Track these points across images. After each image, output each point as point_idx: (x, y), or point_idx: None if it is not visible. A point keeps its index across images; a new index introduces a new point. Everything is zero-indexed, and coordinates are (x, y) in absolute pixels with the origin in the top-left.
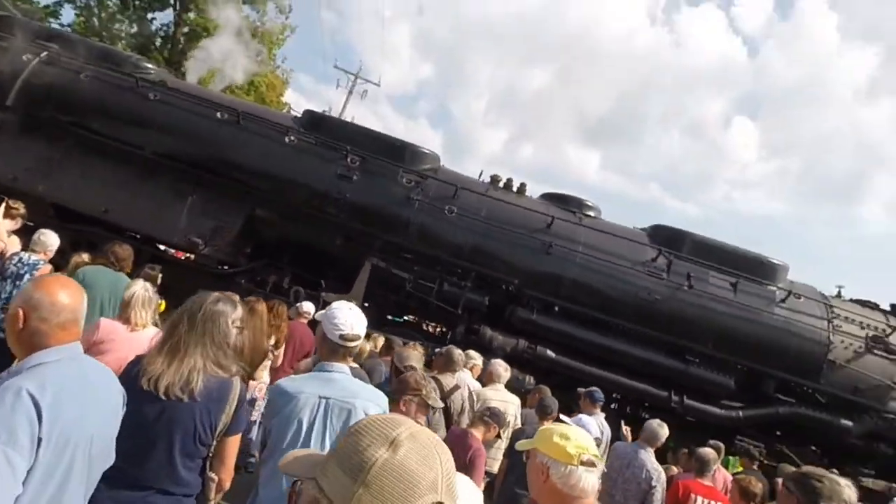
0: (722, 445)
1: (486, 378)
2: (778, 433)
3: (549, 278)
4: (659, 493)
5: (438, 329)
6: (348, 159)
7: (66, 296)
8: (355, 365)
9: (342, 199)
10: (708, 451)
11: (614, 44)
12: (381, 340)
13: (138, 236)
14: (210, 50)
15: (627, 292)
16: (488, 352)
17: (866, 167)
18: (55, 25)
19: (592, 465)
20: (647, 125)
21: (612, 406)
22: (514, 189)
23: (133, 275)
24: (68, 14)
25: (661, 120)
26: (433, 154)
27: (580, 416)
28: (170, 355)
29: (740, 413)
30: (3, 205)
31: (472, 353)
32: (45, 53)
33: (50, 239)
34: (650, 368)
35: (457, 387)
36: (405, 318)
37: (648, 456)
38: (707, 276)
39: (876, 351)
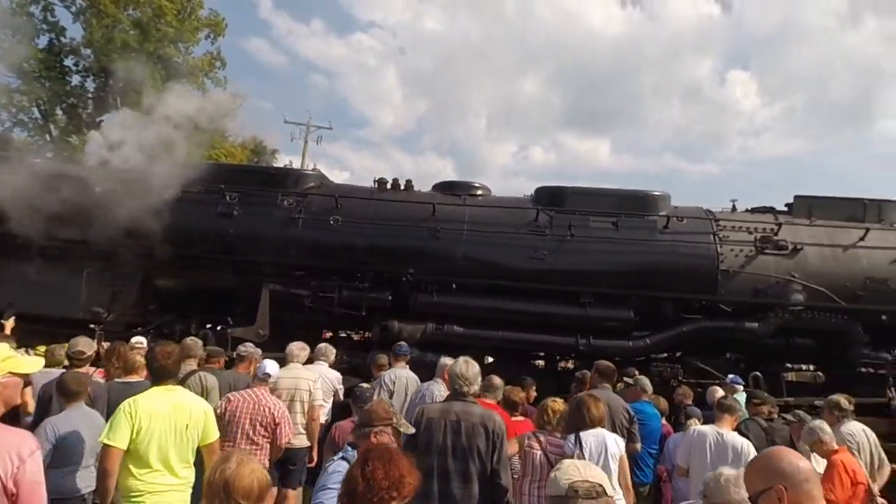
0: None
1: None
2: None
3: (440, 260)
4: None
5: (363, 335)
6: (227, 197)
7: None
8: None
9: (225, 235)
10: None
11: (594, 35)
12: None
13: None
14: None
15: (517, 255)
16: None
17: (869, 87)
18: None
19: None
20: (644, 102)
21: (537, 363)
22: (402, 188)
23: None
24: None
25: (656, 94)
26: (316, 174)
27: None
28: None
29: (647, 340)
30: None
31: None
32: None
33: None
34: (554, 320)
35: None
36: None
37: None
38: (588, 223)
39: (766, 251)
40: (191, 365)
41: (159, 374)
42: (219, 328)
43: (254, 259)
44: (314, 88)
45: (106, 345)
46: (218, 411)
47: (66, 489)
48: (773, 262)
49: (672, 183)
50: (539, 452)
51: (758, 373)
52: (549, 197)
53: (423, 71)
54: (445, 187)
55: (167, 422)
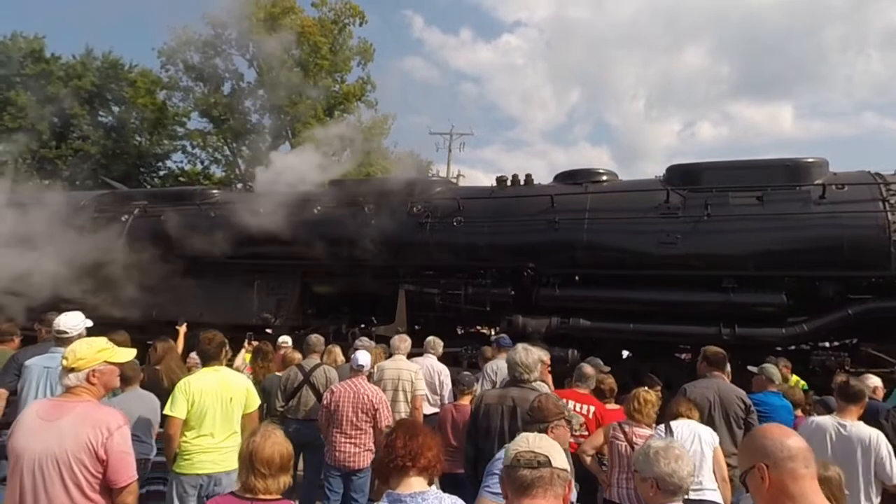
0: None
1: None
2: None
3: (560, 252)
4: None
5: (493, 330)
6: (365, 209)
7: None
8: None
9: (364, 242)
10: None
11: None
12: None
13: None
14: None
15: (645, 241)
16: (524, 338)
17: None
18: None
19: None
20: (831, 58)
21: (683, 356)
22: (522, 182)
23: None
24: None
25: (845, 47)
26: (442, 179)
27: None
28: None
29: (804, 326)
30: None
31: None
32: (136, 210)
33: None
34: (693, 308)
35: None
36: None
37: None
38: (727, 199)
39: None
40: (314, 359)
41: (204, 356)
42: (367, 328)
43: (389, 263)
44: (464, 96)
45: (255, 343)
46: (324, 402)
47: None
48: None
49: (872, 146)
50: (624, 444)
51: None
52: (682, 175)
53: (573, 61)
54: (567, 177)
55: (215, 396)
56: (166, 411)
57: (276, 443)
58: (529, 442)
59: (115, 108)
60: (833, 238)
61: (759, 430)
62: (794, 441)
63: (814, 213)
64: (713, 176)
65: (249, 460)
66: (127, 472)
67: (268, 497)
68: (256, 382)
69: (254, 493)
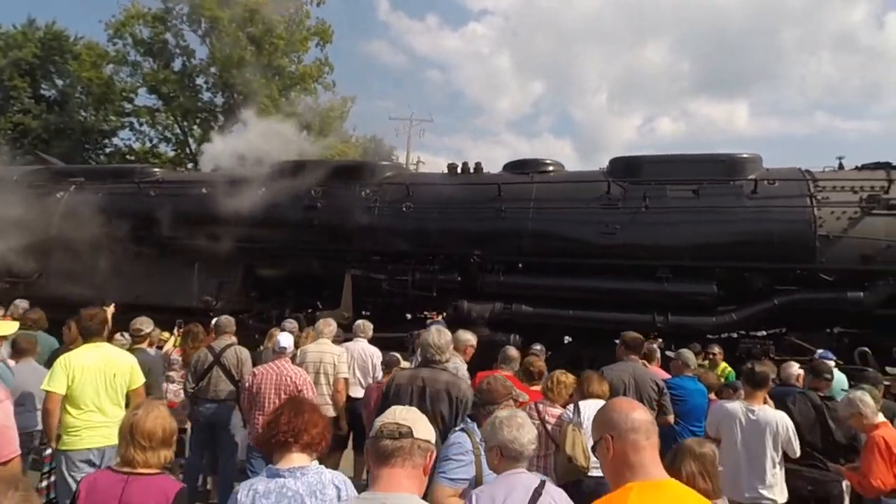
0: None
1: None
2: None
3: (506, 240)
4: None
5: (441, 315)
6: (312, 192)
7: None
8: None
9: (311, 226)
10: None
11: None
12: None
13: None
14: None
15: (587, 231)
16: (470, 323)
17: None
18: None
19: None
20: (787, 58)
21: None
22: (472, 171)
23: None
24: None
25: (800, 48)
26: (394, 164)
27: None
28: None
29: (734, 315)
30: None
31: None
32: (73, 187)
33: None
34: (628, 297)
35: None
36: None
37: None
38: (664, 192)
39: (874, 211)
40: (226, 339)
41: (86, 332)
42: (312, 312)
43: (336, 247)
44: (430, 84)
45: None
46: (246, 384)
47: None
48: (884, 223)
49: (825, 146)
50: (537, 422)
51: (865, 348)
52: (623, 168)
53: (538, 52)
54: (515, 166)
55: (97, 372)
56: (44, 386)
57: (159, 416)
58: (396, 414)
59: (59, 82)
60: (764, 232)
61: (608, 404)
62: (638, 414)
63: (746, 207)
64: (652, 169)
65: (130, 433)
66: (8, 446)
67: (146, 471)
68: (185, 364)
69: (132, 467)
